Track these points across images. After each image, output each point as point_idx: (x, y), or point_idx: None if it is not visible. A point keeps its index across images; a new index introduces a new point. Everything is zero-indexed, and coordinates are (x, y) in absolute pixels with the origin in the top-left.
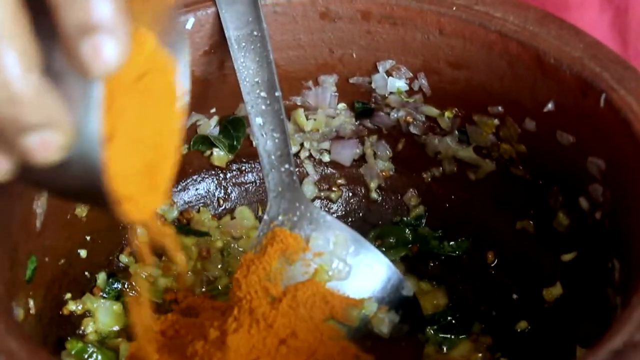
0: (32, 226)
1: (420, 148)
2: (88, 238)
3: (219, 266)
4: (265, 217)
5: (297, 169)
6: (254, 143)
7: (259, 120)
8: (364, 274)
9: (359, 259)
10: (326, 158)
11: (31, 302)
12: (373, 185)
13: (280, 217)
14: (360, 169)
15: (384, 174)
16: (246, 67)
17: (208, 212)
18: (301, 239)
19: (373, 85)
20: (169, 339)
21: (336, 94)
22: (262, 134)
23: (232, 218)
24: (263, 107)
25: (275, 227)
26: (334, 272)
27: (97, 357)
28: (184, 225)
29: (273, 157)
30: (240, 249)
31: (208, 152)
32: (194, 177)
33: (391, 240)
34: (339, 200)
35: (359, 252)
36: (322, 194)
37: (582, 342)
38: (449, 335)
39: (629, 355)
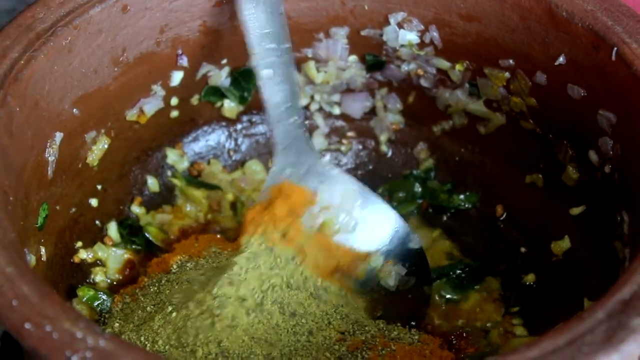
0: (44, 174)
1: (430, 101)
2: (99, 187)
3: (230, 219)
4: (272, 169)
5: (306, 121)
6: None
7: (267, 72)
8: (371, 227)
9: (366, 212)
10: (336, 111)
11: (42, 250)
12: (383, 138)
13: (287, 170)
14: (370, 122)
15: (394, 127)
16: (256, 18)
17: (219, 164)
18: (308, 192)
19: (384, 38)
20: None
21: (347, 46)
22: (271, 86)
23: (243, 173)
24: (273, 58)
25: (282, 180)
26: (340, 225)
27: (107, 305)
28: (194, 178)
29: (282, 109)
30: (251, 202)
31: (219, 104)
32: (205, 128)
33: (400, 195)
34: (349, 153)
35: (366, 205)
36: (331, 146)
37: (590, 295)
38: (458, 288)
39: (637, 305)
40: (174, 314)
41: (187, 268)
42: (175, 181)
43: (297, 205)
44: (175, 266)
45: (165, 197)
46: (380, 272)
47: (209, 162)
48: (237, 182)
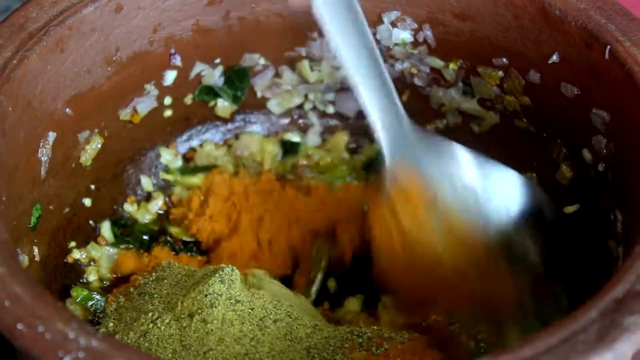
0: (37, 174)
1: (424, 100)
2: (92, 187)
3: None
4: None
5: (300, 120)
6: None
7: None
8: (498, 197)
9: (488, 182)
10: (330, 110)
11: (36, 250)
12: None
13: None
14: (364, 121)
15: None
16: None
17: (211, 144)
18: (424, 184)
19: (378, 37)
20: None
21: None
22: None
23: (237, 138)
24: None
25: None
26: (463, 208)
27: (101, 305)
28: (187, 165)
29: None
30: (254, 163)
31: (212, 103)
32: (198, 128)
33: None
34: None
35: (487, 174)
36: None
37: (583, 294)
38: None
39: (630, 304)
40: (162, 318)
41: (176, 266)
42: (168, 176)
43: (416, 201)
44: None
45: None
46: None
47: (201, 145)
48: (234, 150)
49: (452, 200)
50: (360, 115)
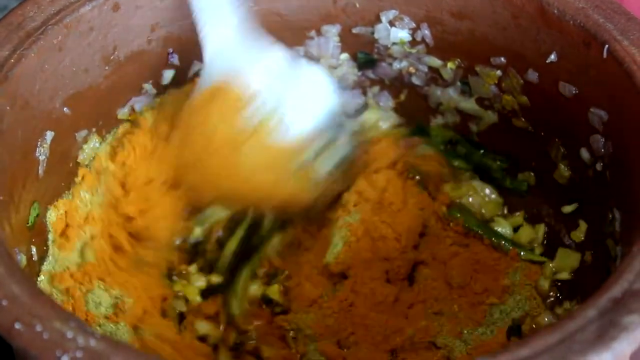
0: (35, 173)
1: (422, 99)
2: None
3: None
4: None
5: None
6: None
7: None
8: (305, 104)
9: (299, 85)
10: None
11: (33, 249)
12: None
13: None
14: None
15: None
16: None
17: None
18: (242, 92)
19: (376, 36)
20: None
21: (339, 44)
22: None
23: None
24: None
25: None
26: (274, 123)
27: None
28: None
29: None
30: None
31: None
32: None
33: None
34: None
35: (298, 71)
36: None
37: (582, 293)
38: None
39: (628, 303)
40: None
41: None
42: None
43: (230, 109)
44: None
45: None
46: (312, 166)
47: None
48: None
49: (266, 102)
50: (358, 114)
